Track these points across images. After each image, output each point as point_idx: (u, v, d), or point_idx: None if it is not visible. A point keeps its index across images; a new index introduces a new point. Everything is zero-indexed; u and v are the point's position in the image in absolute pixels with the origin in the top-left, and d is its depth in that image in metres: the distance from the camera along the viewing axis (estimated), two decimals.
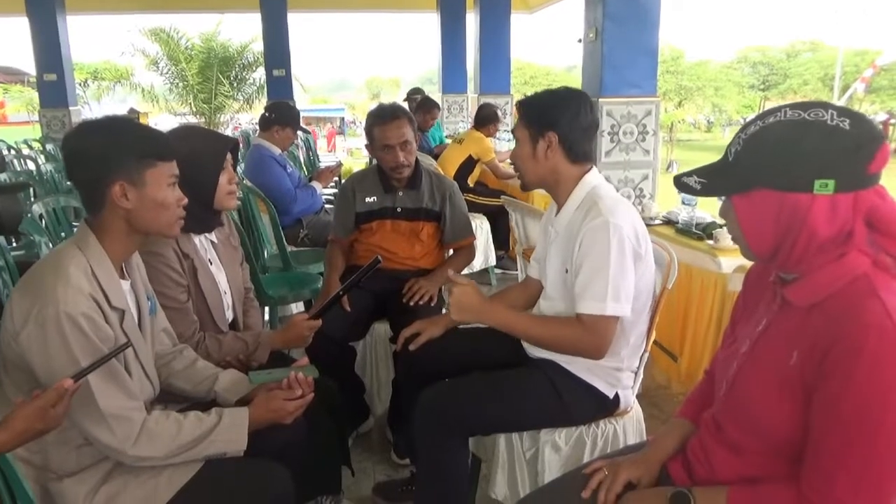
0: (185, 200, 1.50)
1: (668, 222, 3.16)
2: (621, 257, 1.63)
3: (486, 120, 5.39)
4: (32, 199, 4.64)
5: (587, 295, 1.64)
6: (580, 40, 4.33)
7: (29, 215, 3.06)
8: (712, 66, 29.52)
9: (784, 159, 1.01)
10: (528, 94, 1.85)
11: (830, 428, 0.99)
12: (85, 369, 1.22)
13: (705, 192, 1.11)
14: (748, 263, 1.29)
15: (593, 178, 1.79)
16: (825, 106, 1.02)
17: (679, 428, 1.38)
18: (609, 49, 3.95)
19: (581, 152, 1.78)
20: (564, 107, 1.75)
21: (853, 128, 0.99)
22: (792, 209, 1.02)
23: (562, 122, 1.74)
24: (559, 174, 1.78)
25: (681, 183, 1.13)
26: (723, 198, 1.13)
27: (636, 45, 3.99)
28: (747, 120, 1.12)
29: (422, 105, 6.31)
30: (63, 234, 3.25)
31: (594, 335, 1.64)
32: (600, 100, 3.98)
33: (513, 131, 1.85)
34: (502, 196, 4.30)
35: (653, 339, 1.91)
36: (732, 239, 1.16)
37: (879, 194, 1.02)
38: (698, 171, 1.12)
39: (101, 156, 1.37)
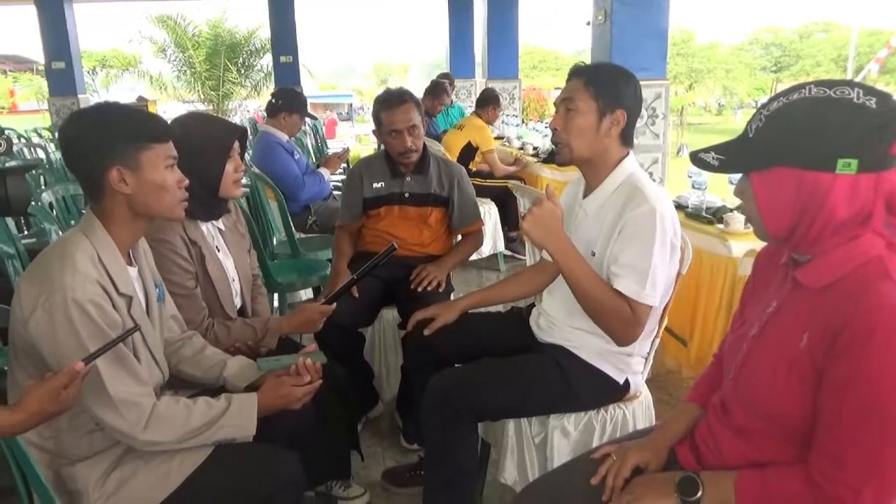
0: (186, 181, 1.49)
1: (679, 207, 3.12)
2: (663, 246, 1.61)
3: (485, 102, 5.36)
4: (43, 186, 4.66)
5: (627, 277, 1.61)
6: (589, 23, 4.29)
7: (39, 203, 3.08)
8: (723, 49, 29.26)
9: (807, 137, 1.00)
10: (586, 63, 1.75)
11: (840, 411, 0.98)
12: (95, 352, 1.23)
13: (723, 168, 1.09)
14: (759, 247, 1.27)
15: (631, 163, 1.75)
16: (851, 84, 1.00)
17: (687, 412, 1.37)
18: (618, 31, 3.91)
19: (631, 137, 1.75)
20: (632, 86, 1.71)
21: (879, 106, 0.97)
22: (812, 188, 1.01)
23: (630, 102, 1.70)
24: (608, 154, 1.73)
25: (698, 159, 1.11)
26: (738, 176, 1.12)
27: (646, 27, 3.95)
28: (769, 97, 1.10)
29: (430, 90, 6.27)
30: (72, 221, 3.26)
31: (635, 318, 1.62)
32: None
33: (563, 99, 1.73)
34: (510, 181, 4.29)
35: (664, 324, 1.90)
36: (747, 218, 1.15)
37: None
38: (716, 148, 1.10)
39: (95, 143, 1.37)
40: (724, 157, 1.09)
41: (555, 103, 1.81)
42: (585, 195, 1.80)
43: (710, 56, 27.27)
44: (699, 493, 1.13)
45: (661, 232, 1.60)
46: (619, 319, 1.62)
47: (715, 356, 1.43)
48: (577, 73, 1.74)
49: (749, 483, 1.10)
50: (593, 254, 1.73)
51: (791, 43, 31.58)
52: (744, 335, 1.19)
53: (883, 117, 0.96)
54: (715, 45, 29.03)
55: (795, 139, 1.00)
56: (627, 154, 1.76)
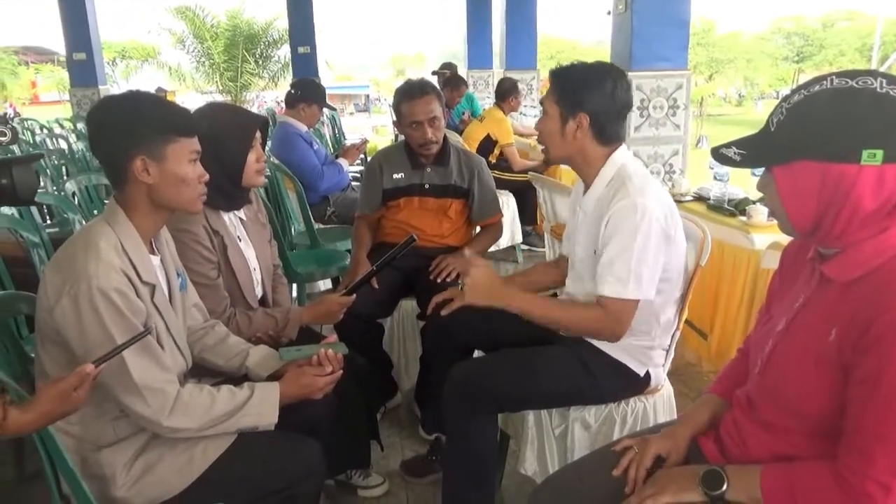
0: (207, 177, 1.50)
1: (700, 198, 3.10)
2: (647, 240, 1.59)
3: (506, 93, 5.33)
4: (66, 176, 4.73)
5: (609, 277, 1.61)
6: (609, 12, 4.25)
7: (63, 193, 3.12)
8: (745, 38, 28.80)
9: (830, 129, 0.98)
10: (562, 66, 1.74)
11: (869, 405, 0.97)
12: (107, 354, 1.24)
13: (745, 163, 1.08)
14: (782, 240, 1.26)
15: (621, 155, 1.73)
16: (874, 74, 0.98)
17: (710, 404, 1.37)
18: (639, 21, 3.86)
19: (612, 134, 1.72)
20: (600, 86, 1.66)
21: None
22: (836, 181, 0.99)
23: (596, 104, 1.66)
24: (586, 154, 1.73)
25: (719, 155, 1.10)
26: (761, 170, 1.10)
27: (667, 16, 3.89)
28: (790, 89, 1.08)
29: (449, 82, 6.26)
30: (95, 211, 3.32)
31: (613, 318, 1.62)
32: (629, 74, 3.89)
33: (541, 101, 1.77)
34: (529, 172, 4.28)
35: (685, 317, 1.89)
36: (771, 213, 1.13)
37: None
38: (737, 143, 1.08)
39: (124, 130, 1.38)
40: (746, 152, 1.07)
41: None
42: (585, 193, 1.80)
43: (730, 46, 26.81)
44: (724, 487, 1.12)
45: (645, 224, 1.58)
46: (597, 326, 1.66)
47: (739, 350, 1.42)
48: (550, 75, 1.75)
49: (775, 478, 1.09)
50: (596, 252, 1.71)
51: (814, 32, 31.01)
52: (770, 330, 1.18)
53: None
54: (736, 35, 28.55)
55: (818, 132, 0.99)
56: (616, 148, 1.73)
